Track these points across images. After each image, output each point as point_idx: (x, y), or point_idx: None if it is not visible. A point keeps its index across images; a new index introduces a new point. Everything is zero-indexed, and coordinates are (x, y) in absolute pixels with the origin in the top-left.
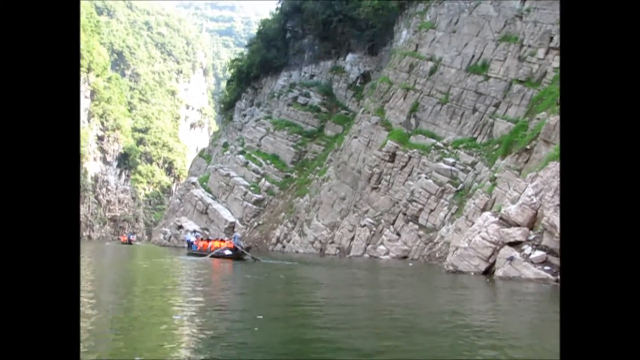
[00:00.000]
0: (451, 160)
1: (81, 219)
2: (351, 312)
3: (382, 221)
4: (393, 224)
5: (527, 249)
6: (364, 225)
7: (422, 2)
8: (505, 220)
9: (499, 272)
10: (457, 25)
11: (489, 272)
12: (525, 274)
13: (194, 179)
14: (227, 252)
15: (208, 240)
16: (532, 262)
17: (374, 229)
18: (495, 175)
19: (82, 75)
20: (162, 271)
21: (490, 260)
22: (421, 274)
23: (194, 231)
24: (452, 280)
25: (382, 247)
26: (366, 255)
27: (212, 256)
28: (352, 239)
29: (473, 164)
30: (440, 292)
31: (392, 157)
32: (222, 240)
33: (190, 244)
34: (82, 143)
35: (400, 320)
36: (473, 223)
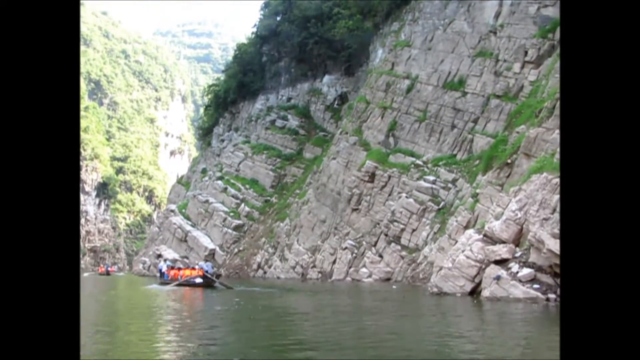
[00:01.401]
0: (431, 178)
1: None
2: (333, 348)
3: (364, 243)
4: (375, 245)
5: (514, 266)
6: (346, 248)
7: (397, 21)
8: (489, 237)
9: (485, 293)
10: (432, 43)
11: (475, 292)
12: (513, 294)
13: (173, 207)
14: (198, 280)
15: (179, 269)
16: (520, 281)
17: (356, 251)
18: (477, 191)
19: None
20: (125, 304)
21: (476, 280)
22: (404, 297)
23: (173, 260)
24: (438, 304)
25: (364, 269)
26: (348, 278)
27: (182, 285)
28: (334, 262)
29: (454, 181)
30: (426, 318)
31: (372, 177)
32: (192, 268)
33: (162, 273)
34: None
35: (386, 355)
36: (456, 241)
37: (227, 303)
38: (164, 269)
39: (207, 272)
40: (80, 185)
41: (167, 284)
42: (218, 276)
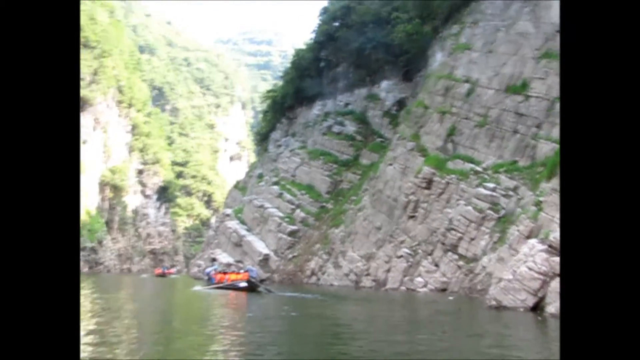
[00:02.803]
0: (491, 185)
1: (121, 252)
2: None
3: (420, 251)
4: (431, 254)
5: None
6: (401, 256)
7: (457, 24)
8: (554, 248)
9: (550, 309)
10: (493, 45)
11: (538, 307)
12: None
13: (229, 211)
14: (242, 284)
15: (225, 272)
16: None
17: (411, 259)
18: (541, 199)
19: (123, 111)
20: (167, 306)
21: (539, 294)
22: (460, 309)
23: (227, 264)
24: (497, 318)
25: (419, 279)
26: (403, 287)
27: (227, 288)
28: (389, 270)
29: (515, 189)
30: (485, 336)
31: (429, 183)
32: (237, 272)
33: (209, 276)
34: (122, 177)
35: None
36: (517, 252)
37: (275, 310)
38: (211, 272)
39: (252, 277)
40: (142, 188)
41: (213, 287)
42: (262, 281)
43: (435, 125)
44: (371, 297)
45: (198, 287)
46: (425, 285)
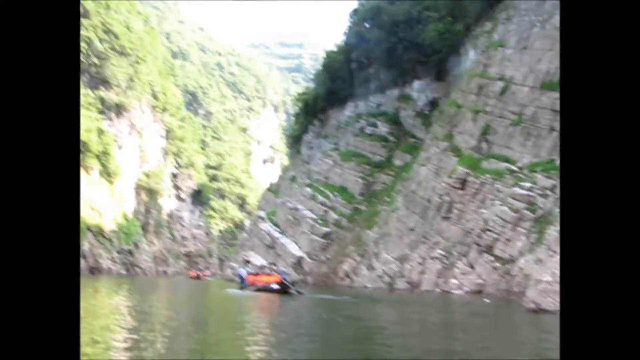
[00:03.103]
0: (528, 184)
1: (157, 255)
2: None
3: (454, 253)
4: (466, 255)
5: None
6: (435, 258)
7: (489, 21)
8: None
9: None
10: (528, 41)
11: None
12: None
13: (262, 213)
14: (275, 287)
15: (257, 274)
16: None
17: (446, 261)
18: None
19: (157, 116)
20: (200, 308)
21: None
22: (497, 314)
23: (261, 266)
24: (536, 322)
25: (454, 280)
26: (437, 289)
27: (259, 290)
28: (423, 272)
29: (553, 188)
30: (527, 343)
31: (463, 184)
32: (269, 274)
33: (241, 278)
34: (157, 180)
35: None
36: (556, 253)
37: (306, 312)
38: (244, 274)
39: (284, 279)
40: (176, 192)
41: (245, 289)
42: (294, 283)
43: (468, 125)
44: (405, 300)
45: (231, 290)
46: (460, 287)
